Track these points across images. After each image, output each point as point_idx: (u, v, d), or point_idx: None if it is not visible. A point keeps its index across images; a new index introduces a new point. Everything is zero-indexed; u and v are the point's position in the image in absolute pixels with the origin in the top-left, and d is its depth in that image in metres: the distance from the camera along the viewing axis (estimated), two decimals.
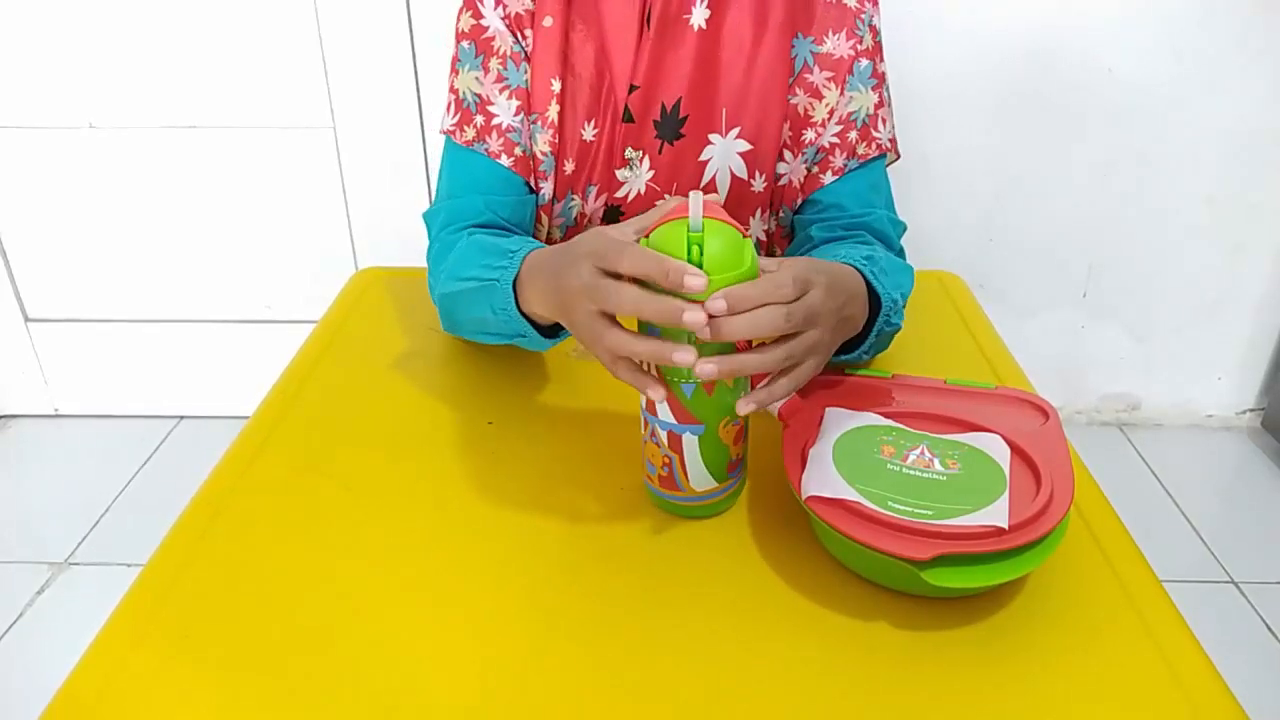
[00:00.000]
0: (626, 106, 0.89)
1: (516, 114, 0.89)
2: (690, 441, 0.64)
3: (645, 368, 0.62)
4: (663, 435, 0.65)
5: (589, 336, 0.63)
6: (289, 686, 0.56)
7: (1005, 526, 0.58)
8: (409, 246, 1.91)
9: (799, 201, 0.95)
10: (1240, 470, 1.96)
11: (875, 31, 0.91)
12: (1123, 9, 1.68)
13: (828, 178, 0.92)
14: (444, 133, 0.92)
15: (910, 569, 0.57)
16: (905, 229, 0.94)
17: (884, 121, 0.93)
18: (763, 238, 0.98)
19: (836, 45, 0.90)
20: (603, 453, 0.75)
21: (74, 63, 1.74)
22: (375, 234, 1.89)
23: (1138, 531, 0.69)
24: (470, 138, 0.89)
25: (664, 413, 0.64)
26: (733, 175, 0.92)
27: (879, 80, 0.92)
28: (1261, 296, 1.93)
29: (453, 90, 0.90)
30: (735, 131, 0.91)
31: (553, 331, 0.77)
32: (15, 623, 1.55)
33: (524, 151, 0.90)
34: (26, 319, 1.98)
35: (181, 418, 2.05)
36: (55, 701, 0.56)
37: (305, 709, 0.55)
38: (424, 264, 0.92)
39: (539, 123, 0.89)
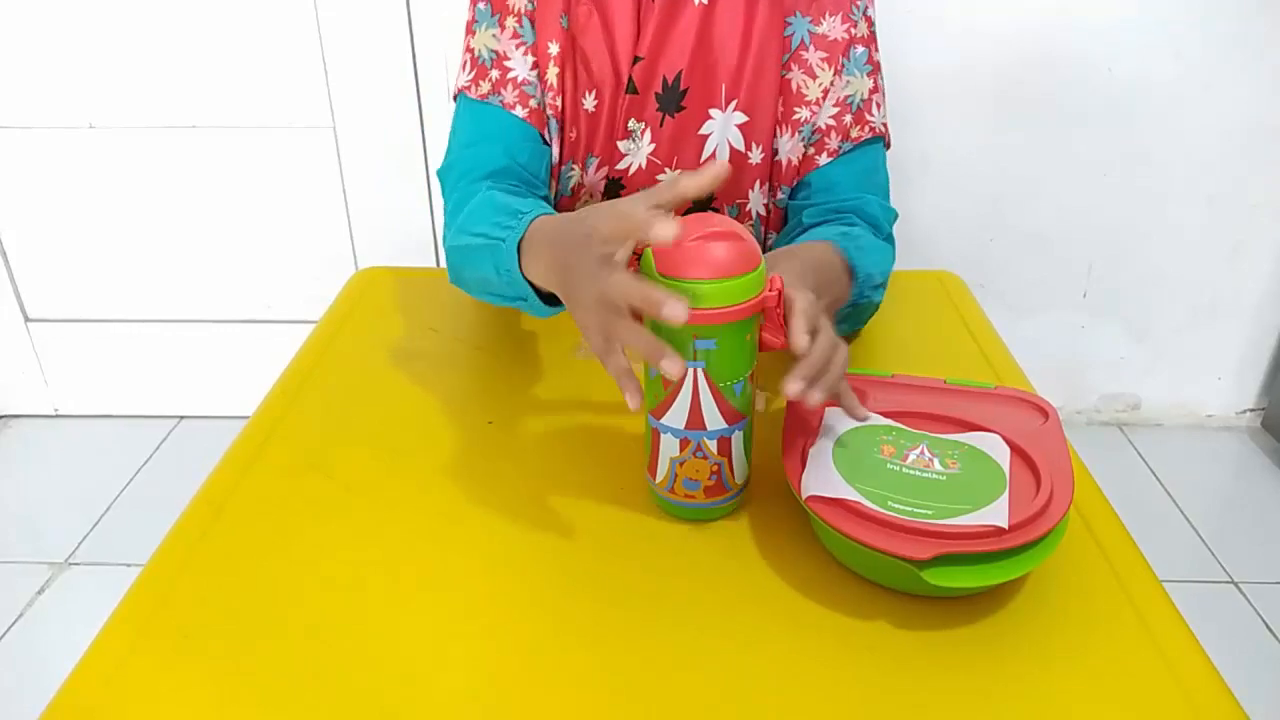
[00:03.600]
0: (631, 78, 0.90)
1: (532, 69, 0.91)
2: (738, 438, 0.66)
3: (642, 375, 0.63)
4: (711, 445, 0.65)
5: (589, 319, 0.62)
6: (289, 686, 0.56)
7: (1005, 526, 0.58)
8: (409, 246, 1.92)
9: (795, 182, 0.96)
10: (1240, 470, 1.95)
11: (870, 21, 0.94)
12: (1123, 9, 1.68)
13: (823, 159, 0.94)
14: (460, 89, 0.93)
15: (910, 569, 0.57)
16: (896, 216, 0.96)
17: (878, 107, 0.95)
18: (762, 212, 0.99)
19: (832, 28, 0.92)
20: (603, 453, 0.75)
21: (74, 63, 1.74)
22: (375, 234, 1.88)
23: (1138, 531, 0.69)
24: (485, 91, 0.91)
25: (714, 421, 0.64)
26: (730, 147, 0.94)
27: (874, 68, 0.94)
28: (1261, 296, 1.92)
29: (468, 50, 0.92)
30: (734, 104, 0.93)
31: (554, 299, 0.75)
32: (15, 623, 1.55)
33: (538, 105, 0.91)
34: (26, 319, 1.98)
35: (181, 418, 2.05)
36: (55, 701, 0.56)
37: (305, 709, 0.55)
38: (423, 264, 0.92)
39: (542, 85, 0.91)
